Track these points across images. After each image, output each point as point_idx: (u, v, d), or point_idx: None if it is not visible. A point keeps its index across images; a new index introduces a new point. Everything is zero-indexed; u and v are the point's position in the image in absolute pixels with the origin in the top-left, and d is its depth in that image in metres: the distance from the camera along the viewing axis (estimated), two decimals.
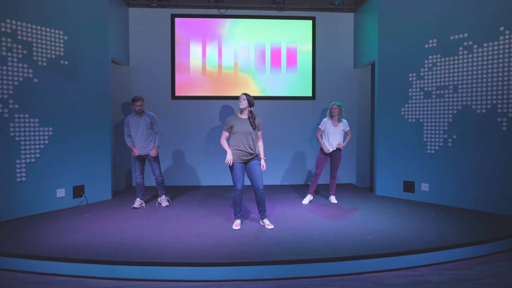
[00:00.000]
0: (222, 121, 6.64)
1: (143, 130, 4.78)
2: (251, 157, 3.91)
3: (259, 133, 3.99)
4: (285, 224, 4.10)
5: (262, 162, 3.98)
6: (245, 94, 3.93)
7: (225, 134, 3.98)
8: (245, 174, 3.98)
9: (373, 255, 3.15)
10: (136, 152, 4.79)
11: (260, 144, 4.04)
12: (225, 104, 6.67)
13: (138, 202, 4.95)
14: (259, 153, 3.99)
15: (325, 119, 5.08)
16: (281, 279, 2.99)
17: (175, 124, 6.59)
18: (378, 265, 3.14)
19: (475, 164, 4.80)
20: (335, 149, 5.05)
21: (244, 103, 3.89)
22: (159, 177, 4.99)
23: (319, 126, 5.10)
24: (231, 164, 3.87)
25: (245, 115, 3.94)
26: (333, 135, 5.00)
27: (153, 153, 4.83)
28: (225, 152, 3.93)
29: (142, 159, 4.90)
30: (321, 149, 5.07)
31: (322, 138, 5.11)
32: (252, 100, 3.93)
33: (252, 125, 3.90)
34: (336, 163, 5.14)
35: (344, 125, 5.09)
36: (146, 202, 5.19)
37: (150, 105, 6.41)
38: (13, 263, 3.15)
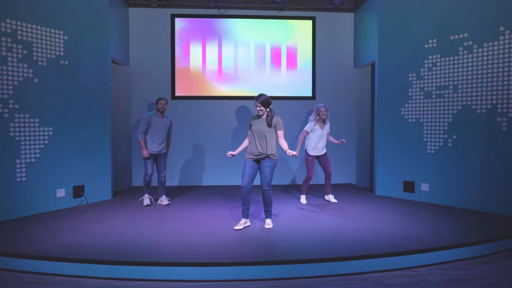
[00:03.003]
0: (222, 121, 6.65)
1: (164, 130, 4.96)
2: (262, 156, 3.88)
3: (279, 132, 3.90)
4: (285, 224, 4.10)
5: (291, 151, 3.73)
6: (258, 100, 3.82)
7: (249, 133, 4.00)
8: (257, 174, 3.96)
9: (373, 255, 3.14)
10: (146, 153, 4.88)
11: (283, 142, 3.89)
12: (225, 104, 6.66)
13: (148, 199, 5.06)
14: (271, 154, 3.87)
15: (312, 123, 5.00)
16: (281, 279, 2.99)
17: (175, 124, 6.55)
18: (378, 265, 3.14)
19: (475, 164, 4.80)
20: (322, 153, 5.06)
21: (262, 109, 3.84)
22: (164, 176, 5.11)
23: (306, 129, 5.02)
24: (228, 155, 3.95)
25: (264, 114, 3.92)
26: (321, 138, 5.00)
27: (167, 153, 5.13)
28: (227, 150, 3.98)
29: (153, 158, 5.00)
30: (307, 151, 5.05)
31: (305, 141, 5.09)
32: (267, 100, 3.83)
33: (268, 123, 3.86)
34: (327, 161, 5.11)
35: (328, 126, 5.10)
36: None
37: (150, 105, 6.43)
38: (13, 263, 3.15)
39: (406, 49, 5.46)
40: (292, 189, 6.25)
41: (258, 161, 3.93)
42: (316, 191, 6.04)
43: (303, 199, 5.23)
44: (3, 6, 4.25)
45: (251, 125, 3.96)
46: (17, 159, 4.39)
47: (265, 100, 3.84)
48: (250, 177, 3.88)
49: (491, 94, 4.64)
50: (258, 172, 3.97)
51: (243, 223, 3.99)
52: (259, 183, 4.02)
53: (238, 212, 4.45)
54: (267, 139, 3.85)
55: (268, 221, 4.04)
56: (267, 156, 3.89)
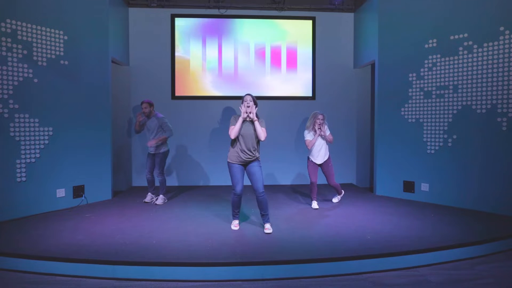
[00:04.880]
0: (222, 121, 6.64)
1: (153, 131, 5.07)
2: (251, 159, 3.82)
3: (265, 129, 3.80)
4: (285, 224, 4.10)
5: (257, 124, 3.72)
6: (250, 95, 3.78)
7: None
8: (245, 176, 3.92)
9: (373, 255, 3.15)
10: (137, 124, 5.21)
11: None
12: (225, 104, 6.66)
13: (149, 197, 5.24)
14: (259, 156, 3.88)
15: (308, 132, 4.78)
16: (281, 279, 2.99)
17: (175, 124, 6.56)
18: (378, 265, 3.14)
19: (475, 164, 4.80)
20: (324, 160, 4.85)
21: (251, 106, 3.69)
22: (159, 176, 5.14)
23: (307, 138, 4.78)
24: (248, 112, 3.68)
25: (248, 116, 3.74)
26: (321, 146, 4.80)
27: (150, 143, 4.98)
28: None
29: (151, 157, 5.15)
30: (308, 157, 4.89)
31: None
32: (256, 101, 3.81)
33: (256, 126, 3.73)
34: (329, 171, 4.89)
35: (327, 131, 4.83)
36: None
37: None
38: (13, 263, 3.15)
39: (406, 49, 5.46)
40: (292, 189, 6.25)
41: (245, 164, 3.86)
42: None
43: (314, 204, 4.94)
44: (3, 6, 4.25)
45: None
46: (17, 159, 4.39)
47: (255, 98, 3.81)
48: (242, 182, 3.84)
49: (491, 94, 4.64)
50: (246, 175, 3.90)
51: (237, 223, 4.00)
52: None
53: None
54: (255, 142, 3.79)
55: (268, 225, 3.86)
56: (256, 158, 3.86)
